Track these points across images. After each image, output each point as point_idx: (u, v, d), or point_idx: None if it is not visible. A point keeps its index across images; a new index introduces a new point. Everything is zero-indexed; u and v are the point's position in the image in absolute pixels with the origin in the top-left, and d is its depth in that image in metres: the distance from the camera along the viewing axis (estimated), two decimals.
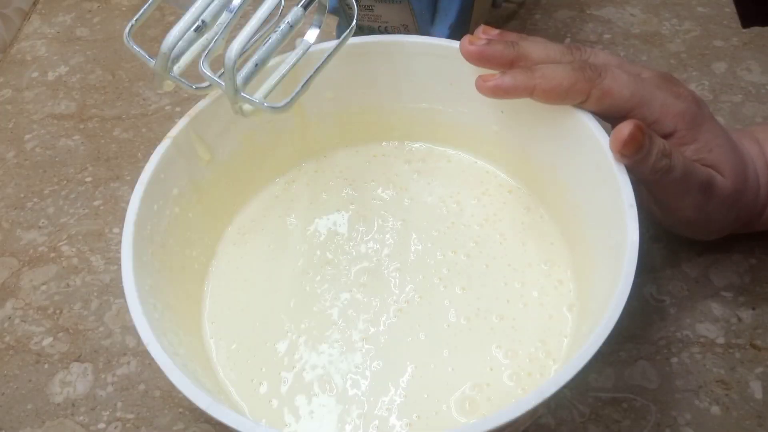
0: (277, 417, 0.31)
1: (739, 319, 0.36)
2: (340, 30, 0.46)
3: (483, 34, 0.34)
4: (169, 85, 0.31)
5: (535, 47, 0.33)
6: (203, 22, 0.29)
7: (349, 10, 0.37)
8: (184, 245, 0.34)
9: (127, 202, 0.31)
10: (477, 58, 0.33)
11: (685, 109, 0.32)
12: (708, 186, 0.32)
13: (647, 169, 0.30)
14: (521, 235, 0.36)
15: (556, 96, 0.31)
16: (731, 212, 0.34)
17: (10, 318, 0.40)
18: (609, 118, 0.32)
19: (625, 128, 0.29)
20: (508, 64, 0.32)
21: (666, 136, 0.32)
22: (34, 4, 0.60)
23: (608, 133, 0.31)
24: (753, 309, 0.36)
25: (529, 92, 0.31)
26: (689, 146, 0.32)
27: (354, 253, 0.36)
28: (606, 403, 0.34)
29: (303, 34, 0.34)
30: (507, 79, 0.31)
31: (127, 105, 0.50)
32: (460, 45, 0.33)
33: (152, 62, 0.30)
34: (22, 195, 0.46)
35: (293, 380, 0.32)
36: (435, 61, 0.36)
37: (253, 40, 0.29)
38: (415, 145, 0.40)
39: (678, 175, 0.31)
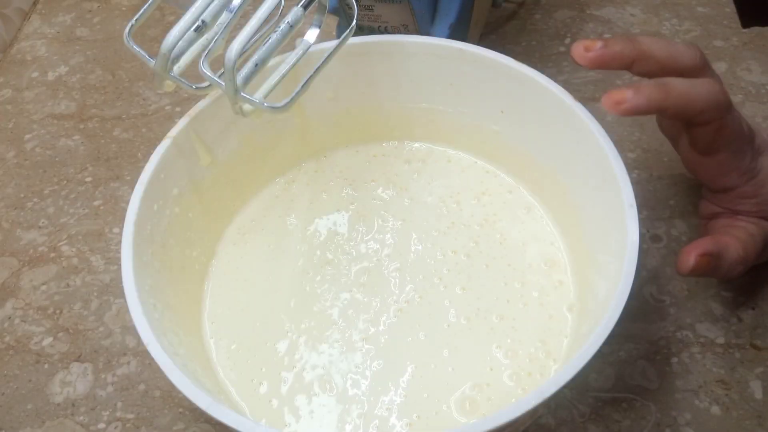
0: (278, 417, 0.31)
1: (739, 319, 0.36)
2: (340, 30, 0.46)
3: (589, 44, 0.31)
4: (169, 86, 0.31)
5: (656, 44, 0.31)
6: (203, 22, 0.29)
7: (349, 10, 0.37)
8: (184, 245, 0.34)
9: (127, 202, 0.31)
10: (597, 64, 0.30)
11: (753, 167, 0.32)
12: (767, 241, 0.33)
13: (720, 276, 0.32)
14: (521, 235, 0.36)
15: (684, 118, 0.30)
16: None
17: (10, 318, 0.40)
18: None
19: (688, 261, 0.30)
20: (630, 64, 0.31)
21: (728, 189, 0.33)
22: (34, 4, 0.60)
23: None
24: (753, 309, 0.36)
25: (663, 111, 0.29)
26: (749, 200, 0.33)
27: (354, 253, 0.36)
28: (606, 403, 0.34)
29: (303, 34, 0.33)
30: (641, 99, 0.29)
31: (127, 105, 0.50)
32: (574, 53, 0.30)
33: (152, 62, 0.30)
34: (22, 195, 0.46)
35: (293, 380, 0.32)
36: (435, 61, 0.36)
37: (253, 40, 0.29)
38: (415, 145, 0.40)
39: (751, 264, 0.33)
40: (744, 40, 0.49)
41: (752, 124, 0.34)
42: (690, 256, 0.30)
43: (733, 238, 0.32)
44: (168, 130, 0.33)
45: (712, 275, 0.32)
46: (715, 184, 0.33)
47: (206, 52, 0.30)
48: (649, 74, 0.31)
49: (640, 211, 0.28)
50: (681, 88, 0.29)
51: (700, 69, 0.31)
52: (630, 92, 0.29)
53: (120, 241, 0.30)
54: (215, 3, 0.30)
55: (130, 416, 0.35)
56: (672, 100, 0.29)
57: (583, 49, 0.30)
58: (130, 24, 0.31)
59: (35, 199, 0.45)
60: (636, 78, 0.32)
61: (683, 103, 0.29)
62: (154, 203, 0.32)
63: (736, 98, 0.45)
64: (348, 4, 0.35)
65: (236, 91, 0.29)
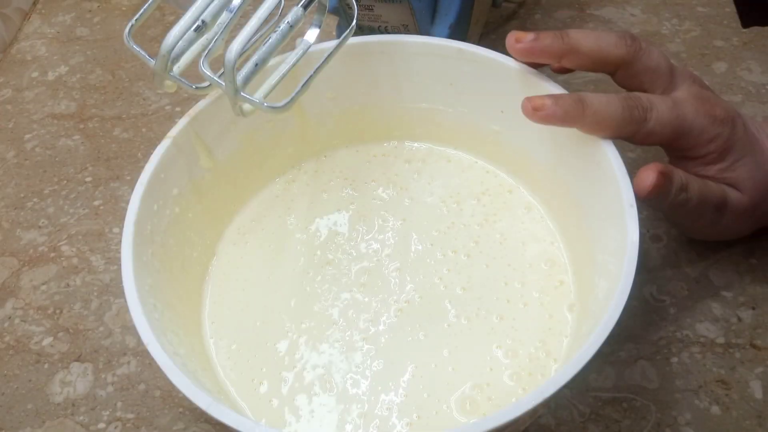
0: (278, 417, 0.31)
1: (739, 319, 0.36)
2: (340, 30, 0.46)
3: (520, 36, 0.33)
4: (169, 86, 0.31)
5: (585, 38, 0.32)
6: (203, 22, 0.29)
7: (349, 10, 0.37)
8: (184, 245, 0.34)
9: (127, 202, 0.31)
10: (527, 54, 0.32)
11: (719, 134, 0.32)
12: (722, 205, 0.33)
13: (665, 204, 0.31)
14: (521, 235, 0.36)
15: (601, 133, 0.31)
16: (747, 222, 0.35)
17: (10, 318, 0.40)
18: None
19: (648, 177, 0.30)
20: (558, 57, 0.32)
21: (695, 158, 0.33)
22: (34, 4, 0.60)
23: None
24: (753, 309, 0.36)
25: (578, 125, 0.31)
26: (714, 166, 0.33)
27: (354, 253, 0.36)
28: (606, 403, 0.34)
29: (303, 34, 0.34)
30: (558, 110, 0.30)
31: (127, 105, 0.50)
32: (507, 43, 0.32)
33: (152, 62, 0.30)
34: (22, 195, 0.46)
35: (294, 380, 0.32)
36: (435, 61, 0.36)
37: (253, 40, 0.29)
38: (415, 145, 0.40)
39: (694, 203, 0.32)
40: (744, 40, 0.49)
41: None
42: (651, 172, 0.30)
43: (678, 168, 0.32)
44: (168, 130, 0.33)
45: (661, 199, 0.31)
46: (684, 155, 0.33)
47: (206, 52, 0.30)
48: (580, 68, 0.32)
49: (640, 211, 0.28)
50: (595, 107, 0.30)
51: (632, 60, 0.32)
52: (549, 101, 0.30)
53: (120, 241, 0.30)
54: (215, 3, 0.30)
55: (130, 416, 0.35)
56: (587, 119, 0.30)
57: (514, 40, 0.32)
58: (130, 24, 0.31)
59: (35, 199, 0.45)
60: (617, 88, 0.33)
61: (595, 122, 0.30)
62: (154, 203, 0.32)
63: (736, 98, 0.45)
64: (348, 4, 0.35)
65: (236, 91, 0.29)
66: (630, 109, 0.31)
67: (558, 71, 0.34)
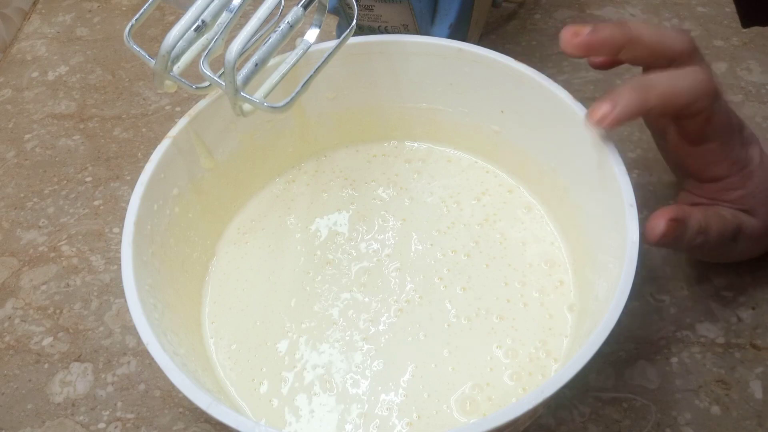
0: (278, 416, 0.31)
1: (739, 319, 0.36)
2: (340, 30, 0.46)
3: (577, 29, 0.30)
4: (169, 86, 0.31)
5: (647, 29, 0.30)
6: (203, 22, 0.29)
7: (349, 10, 0.37)
8: (184, 245, 0.34)
9: (127, 202, 0.31)
10: (586, 49, 0.30)
11: (743, 158, 0.32)
12: (737, 234, 0.33)
13: (682, 246, 0.31)
14: (521, 235, 0.36)
15: (673, 112, 0.30)
16: (759, 244, 0.35)
17: (10, 318, 0.40)
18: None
19: (658, 226, 0.29)
20: (618, 49, 0.30)
21: (717, 179, 0.32)
22: (34, 4, 0.60)
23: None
24: (753, 309, 0.36)
25: (647, 112, 0.29)
26: (736, 191, 0.32)
27: (354, 253, 0.36)
28: (606, 403, 0.34)
29: (303, 34, 0.34)
30: (620, 110, 0.28)
31: (127, 105, 0.50)
32: (563, 39, 0.30)
33: (152, 62, 0.30)
34: (22, 195, 0.46)
35: (294, 380, 0.32)
36: (435, 61, 0.36)
37: (253, 40, 0.29)
38: (415, 145, 0.40)
39: (713, 244, 0.31)
40: (744, 40, 0.49)
41: (749, 124, 0.34)
42: (660, 221, 0.29)
43: (696, 209, 0.31)
44: (168, 130, 0.33)
45: (676, 244, 0.31)
46: (705, 173, 0.33)
47: (206, 52, 0.30)
48: (637, 60, 0.31)
49: (640, 211, 0.28)
50: (663, 85, 0.29)
51: (689, 55, 0.30)
52: (607, 106, 0.28)
53: (120, 241, 0.30)
54: (215, 3, 0.30)
55: (130, 416, 0.35)
56: (654, 100, 0.29)
57: (572, 35, 0.30)
58: (130, 24, 0.31)
59: (35, 199, 0.45)
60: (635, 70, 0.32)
61: (667, 100, 0.29)
62: (154, 203, 0.32)
63: (736, 98, 0.45)
64: (348, 4, 0.35)
65: (236, 91, 0.29)
66: (707, 81, 0.29)
67: (600, 66, 0.33)
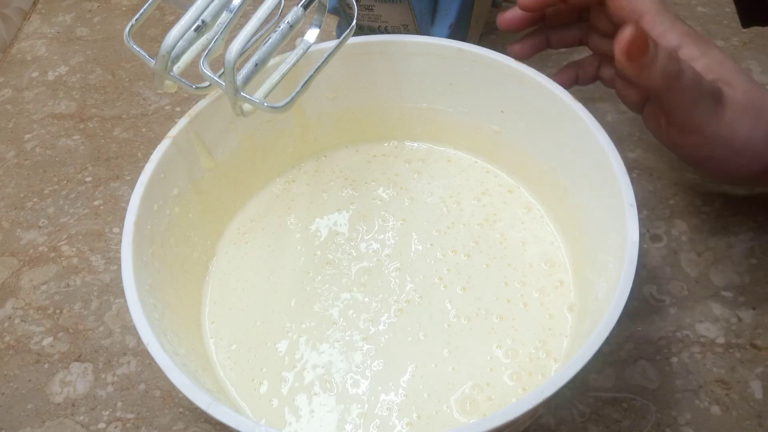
0: (278, 416, 0.31)
1: (739, 319, 0.36)
2: (340, 30, 0.46)
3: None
4: (169, 86, 0.31)
5: None
6: (203, 22, 0.29)
7: (349, 10, 0.37)
8: (184, 245, 0.34)
9: (127, 202, 0.31)
10: (535, 3, 0.33)
11: (691, 30, 0.32)
12: (718, 94, 0.32)
13: (658, 74, 0.29)
14: (521, 235, 0.36)
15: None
16: (756, 128, 0.32)
17: (10, 318, 0.40)
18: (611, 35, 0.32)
19: (626, 31, 0.29)
20: None
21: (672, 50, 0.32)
22: (34, 4, 0.60)
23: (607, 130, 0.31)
24: (753, 309, 0.36)
25: None
26: (698, 61, 0.32)
27: (354, 253, 0.36)
28: (606, 403, 0.34)
29: (303, 34, 0.34)
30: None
31: (127, 105, 0.50)
32: (520, 3, 0.34)
33: (152, 62, 0.30)
34: (22, 195, 0.46)
35: (294, 380, 0.32)
36: (435, 61, 0.36)
37: (253, 40, 0.29)
38: (415, 145, 0.40)
39: (689, 80, 0.30)
40: (744, 40, 0.49)
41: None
42: (627, 27, 0.29)
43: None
44: (168, 130, 0.33)
45: (651, 67, 0.29)
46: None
47: (206, 52, 0.30)
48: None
49: (640, 211, 0.28)
50: None
51: None
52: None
53: (120, 241, 0.30)
54: (215, 3, 0.30)
55: (130, 416, 0.35)
56: None
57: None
58: (130, 24, 0.31)
59: (35, 199, 0.45)
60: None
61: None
62: (154, 203, 0.32)
63: None
64: (348, 4, 0.35)
65: (236, 91, 0.29)
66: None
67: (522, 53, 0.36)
